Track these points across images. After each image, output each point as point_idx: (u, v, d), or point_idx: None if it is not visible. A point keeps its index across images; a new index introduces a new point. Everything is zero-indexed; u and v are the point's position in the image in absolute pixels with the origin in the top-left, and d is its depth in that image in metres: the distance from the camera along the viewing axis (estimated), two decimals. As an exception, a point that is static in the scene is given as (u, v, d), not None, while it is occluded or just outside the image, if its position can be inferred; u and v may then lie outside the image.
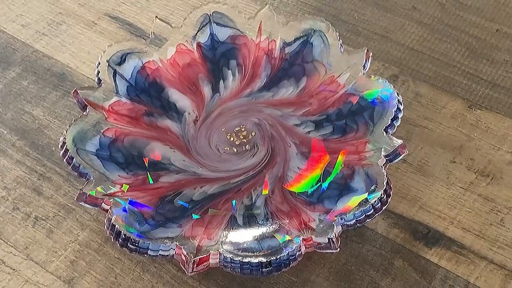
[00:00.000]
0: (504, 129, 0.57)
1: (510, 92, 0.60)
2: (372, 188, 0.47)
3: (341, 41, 0.56)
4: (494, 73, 0.62)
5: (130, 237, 0.45)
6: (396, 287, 0.49)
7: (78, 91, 0.53)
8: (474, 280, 0.49)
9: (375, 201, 0.46)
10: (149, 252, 0.46)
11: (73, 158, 0.49)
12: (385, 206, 0.47)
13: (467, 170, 0.55)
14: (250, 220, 0.49)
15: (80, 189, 0.47)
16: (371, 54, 0.55)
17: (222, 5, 0.59)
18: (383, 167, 0.48)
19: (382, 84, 0.53)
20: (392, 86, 0.52)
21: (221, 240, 0.47)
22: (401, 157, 0.49)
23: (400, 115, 0.51)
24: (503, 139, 0.57)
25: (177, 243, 0.46)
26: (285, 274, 0.50)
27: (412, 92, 0.61)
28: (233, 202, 0.50)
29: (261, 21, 0.58)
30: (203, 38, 0.59)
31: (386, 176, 0.47)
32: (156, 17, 0.58)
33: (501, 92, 0.60)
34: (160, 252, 0.46)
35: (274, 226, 0.48)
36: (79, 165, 0.49)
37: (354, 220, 0.47)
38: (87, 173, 0.49)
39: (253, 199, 0.50)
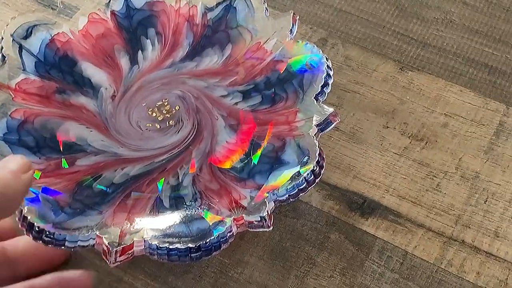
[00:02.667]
0: (437, 90, 0.55)
1: (442, 51, 0.58)
2: (304, 160, 0.44)
3: (266, 4, 0.53)
4: (425, 32, 0.59)
5: (44, 229, 0.41)
6: (333, 262, 0.47)
7: None
8: (412, 249, 0.47)
9: (308, 173, 0.43)
10: (66, 244, 0.41)
11: None
12: (318, 179, 0.44)
13: (400, 135, 0.53)
14: (177, 202, 0.45)
15: None
16: (298, 17, 0.51)
17: None
18: (314, 137, 0.45)
19: (311, 50, 0.49)
20: (321, 51, 0.49)
21: (146, 226, 0.43)
22: (333, 125, 0.45)
23: (330, 81, 0.47)
24: (436, 101, 0.55)
25: (96, 232, 0.42)
26: (216, 256, 0.47)
27: (342, 55, 0.58)
28: (159, 184, 0.46)
29: None
30: (117, 5, 0.54)
31: (319, 147, 0.44)
32: None
33: (432, 52, 0.58)
34: (79, 243, 0.42)
35: (203, 207, 0.45)
36: None
37: (287, 195, 0.44)
38: None
39: (180, 179, 0.46)
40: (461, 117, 0.53)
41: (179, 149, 0.48)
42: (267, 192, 0.44)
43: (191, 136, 0.49)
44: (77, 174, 0.46)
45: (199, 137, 0.49)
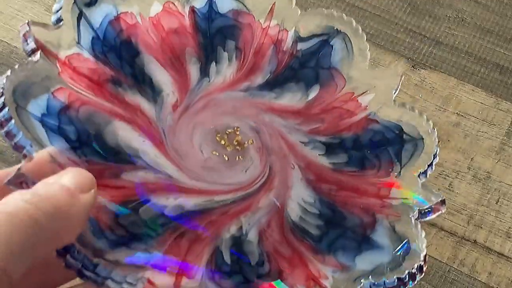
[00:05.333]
0: (449, 89, 0.55)
1: (454, 49, 0.58)
2: (403, 251, 0.35)
3: (369, 53, 0.45)
4: (437, 30, 0.59)
5: (86, 256, 0.31)
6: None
7: (31, 26, 0.37)
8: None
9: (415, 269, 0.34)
10: (109, 283, 0.31)
11: (10, 119, 0.33)
12: (421, 275, 0.34)
13: (413, 133, 0.53)
14: (239, 259, 0.37)
15: (18, 169, 0.31)
16: (403, 77, 0.44)
17: None
18: (417, 225, 0.36)
19: (418, 118, 0.41)
20: (432, 124, 0.41)
21: (204, 279, 0.35)
22: (435, 215, 0.37)
23: (435, 161, 0.40)
24: (448, 100, 0.55)
25: (149, 277, 0.33)
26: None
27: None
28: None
29: (274, 2, 0.46)
30: (199, 2, 0.46)
31: (424, 237, 0.35)
32: None
33: (444, 50, 0.58)
34: (124, 286, 0.32)
35: (273, 274, 0.36)
36: (17, 132, 0.33)
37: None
38: (25, 147, 0.33)
39: (244, 230, 0.37)
40: (473, 116, 0.54)
41: (245, 192, 0.39)
42: (363, 279, 0.34)
43: (260, 180, 0.40)
44: (123, 191, 0.37)
45: (270, 184, 0.40)
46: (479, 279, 0.46)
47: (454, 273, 0.46)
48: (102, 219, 0.34)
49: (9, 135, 0.33)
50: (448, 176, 0.50)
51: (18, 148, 0.33)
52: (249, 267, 0.36)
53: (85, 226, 0.30)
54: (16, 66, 0.35)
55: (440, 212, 0.37)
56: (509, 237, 0.48)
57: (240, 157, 0.41)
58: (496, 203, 0.49)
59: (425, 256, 0.35)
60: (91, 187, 0.30)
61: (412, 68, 0.56)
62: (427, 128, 0.40)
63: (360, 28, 0.44)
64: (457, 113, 0.54)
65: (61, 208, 0.27)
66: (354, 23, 0.44)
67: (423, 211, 0.37)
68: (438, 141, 0.49)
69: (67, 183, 0.29)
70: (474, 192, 0.50)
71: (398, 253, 0.35)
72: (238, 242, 0.37)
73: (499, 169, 0.51)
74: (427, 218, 0.37)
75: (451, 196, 0.49)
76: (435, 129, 0.40)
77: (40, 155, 0.33)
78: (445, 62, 0.57)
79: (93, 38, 0.41)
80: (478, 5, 0.60)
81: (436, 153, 0.39)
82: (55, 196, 0.27)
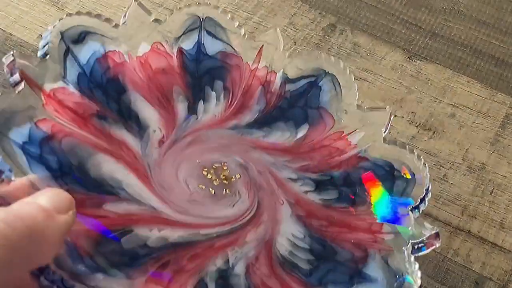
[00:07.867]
0: (445, 80, 0.55)
1: (449, 41, 0.58)
2: (398, 284, 0.35)
3: (358, 93, 0.45)
4: (433, 21, 0.59)
5: (61, 279, 0.30)
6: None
7: (16, 58, 0.36)
8: (420, 238, 0.47)
9: None
10: None
11: None
12: None
13: (408, 124, 0.53)
14: None
15: None
16: (393, 116, 0.44)
17: (219, 13, 0.45)
18: (410, 258, 0.36)
19: (409, 155, 0.41)
20: (423, 160, 0.40)
21: None
22: (428, 250, 0.36)
23: (427, 198, 0.39)
24: (444, 91, 0.55)
25: None
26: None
27: (350, 42, 0.57)
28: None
29: (262, 45, 0.46)
30: (188, 44, 0.45)
31: (418, 269, 0.35)
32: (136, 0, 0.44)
33: (440, 42, 0.58)
34: None
35: None
36: None
37: None
38: (4, 171, 0.32)
39: (230, 263, 0.37)
40: (468, 108, 0.54)
41: (231, 226, 0.39)
42: None
43: (248, 214, 0.40)
44: (104, 221, 0.36)
45: (258, 219, 0.40)
46: (473, 268, 0.46)
47: (448, 262, 0.46)
48: (82, 245, 0.33)
49: None
50: (442, 166, 0.50)
51: None
52: None
53: (61, 248, 0.29)
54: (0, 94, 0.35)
55: (434, 246, 0.36)
56: (503, 228, 0.48)
57: (227, 190, 0.41)
58: (490, 194, 0.49)
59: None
60: (69, 208, 0.28)
61: (408, 59, 0.56)
62: (419, 164, 0.40)
63: (348, 69, 0.44)
64: (452, 104, 0.54)
65: (35, 228, 0.26)
66: (341, 64, 0.44)
67: (417, 246, 0.36)
68: (434, 132, 0.49)
69: (44, 203, 0.27)
70: (468, 183, 0.50)
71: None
72: (224, 275, 0.36)
73: (493, 160, 0.51)
74: (422, 253, 0.36)
75: (445, 186, 0.49)
76: (427, 165, 0.40)
77: (20, 181, 0.32)
78: (441, 53, 0.57)
79: (79, 74, 0.41)
80: (474, -3, 0.60)
81: (428, 188, 0.39)
82: (30, 215, 0.26)
